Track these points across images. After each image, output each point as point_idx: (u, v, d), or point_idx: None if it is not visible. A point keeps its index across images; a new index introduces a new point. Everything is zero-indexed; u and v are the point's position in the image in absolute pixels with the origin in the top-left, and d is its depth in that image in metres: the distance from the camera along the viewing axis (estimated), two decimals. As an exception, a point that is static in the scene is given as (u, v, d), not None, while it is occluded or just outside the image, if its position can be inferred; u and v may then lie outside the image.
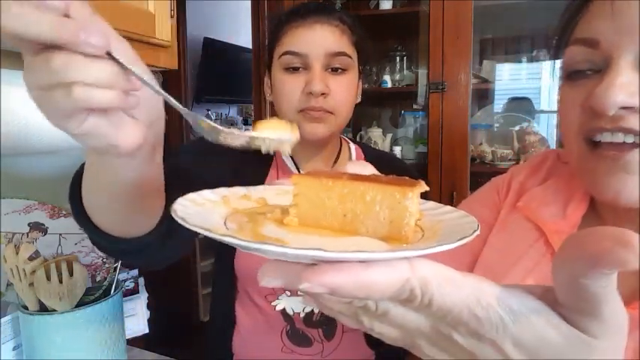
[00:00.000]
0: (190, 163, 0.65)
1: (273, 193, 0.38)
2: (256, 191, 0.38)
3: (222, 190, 0.36)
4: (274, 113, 0.81)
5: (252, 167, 0.80)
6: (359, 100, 0.84)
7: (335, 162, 0.84)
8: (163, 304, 1.41)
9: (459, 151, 1.70)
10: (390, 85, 2.09)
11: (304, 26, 0.72)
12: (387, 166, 0.83)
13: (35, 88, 0.31)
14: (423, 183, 0.29)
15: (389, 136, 2.21)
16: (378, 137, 2.20)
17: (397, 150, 2.09)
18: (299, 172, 0.79)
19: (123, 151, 0.34)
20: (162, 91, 0.35)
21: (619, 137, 0.39)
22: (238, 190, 0.37)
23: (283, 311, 0.79)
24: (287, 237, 0.28)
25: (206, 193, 0.34)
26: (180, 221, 0.26)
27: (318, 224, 0.30)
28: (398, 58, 2.16)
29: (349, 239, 0.29)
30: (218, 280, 0.91)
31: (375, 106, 2.40)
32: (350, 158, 0.86)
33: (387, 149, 2.18)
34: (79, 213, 0.50)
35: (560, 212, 0.51)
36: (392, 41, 2.23)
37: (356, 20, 0.78)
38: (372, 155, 0.88)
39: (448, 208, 0.33)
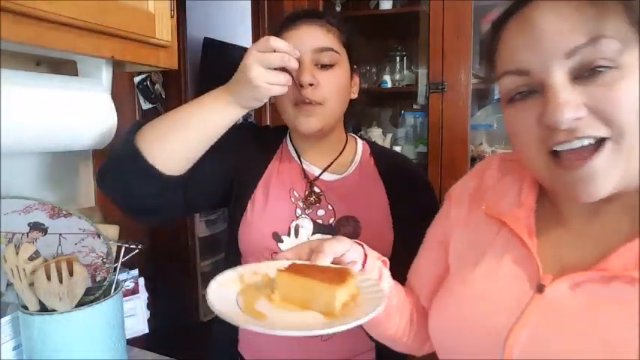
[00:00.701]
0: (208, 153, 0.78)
1: (274, 267, 0.53)
2: (263, 267, 0.58)
3: (239, 269, 0.58)
4: (274, 113, 0.85)
5: (257, 155, 0.89)
6: (355, 96, 0.89)
7: (339, 155, 0.89)
8: (163, 304, 1.41)
9: (458, 151, 1.70)
10: (390, 85, 2.09)
11: (294, 29, 0.80)
12: (394, 165, 0.90)
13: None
14: (352, 273, 0.52)
15: (389, 136, 2.21)
16: (378, 137, 2.20)
17: (397, 150, 2.09)
18: (300, 162, 0.88)
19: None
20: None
21: (577, 144, 0.45)
22: (250, 268, 0.58)
23: None
24: (268, 311, 0.49)
25: (228, 273, 0.57)
26: (217, 312, 0.46)
27: (291, 300, 0.50)
28: (398, 58, 2.16)
29: (303, 313, 0.49)
30: (228, 258, 0.92)
31: (375, 106, 2.40)
32: (355, 154, 0.91)
33: (387, 149, 2.18)
34: (133, 152, 0.70)
35: (516, 201, 0.57)
36: (392, 41, 2.23)
37: (344, 22, 0.85)
38: (379, 154, 0.92)
39: (373, 281, 0.55)
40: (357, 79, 0.89)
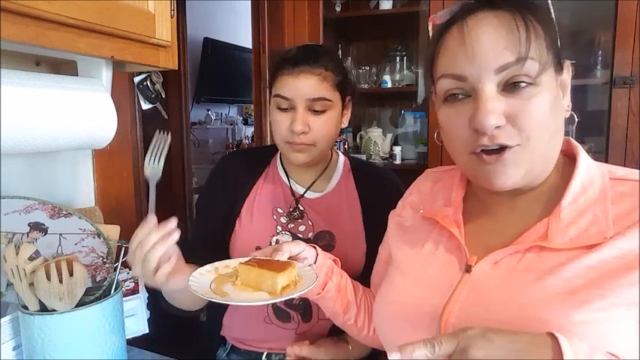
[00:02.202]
0: (209, 218, 0.97)
1: (243, 260, 0.70)
2: (233, 262, 0.73)
3: (216, 264, 0.73)
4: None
5: (241, 180, 0.98)
6: (345, 125, 0.97)
7: (321, 174, 0.97)
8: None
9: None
10: (390, 85, 2.09)
11: (292, 75, 0.86)
12: (370, 179, 0.97)
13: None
14: (293, 264, 0.67)
15: (389, 136, 2.21)
16: (378, 137, 2.20)
17: (397, 150, 2.09)
18: (289, 181, 0.97)
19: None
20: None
21: (494, 147, 0.54)
22: (224, 263, 0.74)
23: None
24: (231, 291, 0.66)
25: (206, 267, 0.72)
26: (193, 291, 0.63)
27: (248, 284, 0.66)
28: (398, 58, 2.16)
29: (255, 293, 0.64)
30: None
31: (375, 106, 2.40)
32: (336, 171, 0.99)
33: (387, 149, 2.18)
34: (162, 299, 0.88)
35: (447, 201, 0.67)
36: (392, 41, 2.23)
37: (339, 61, 0.92)
38: (357, 168, 1.00)
39: (311, 271, 0.69)
40: (348, 109, 0.96)
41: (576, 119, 0.60)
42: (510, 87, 0.53)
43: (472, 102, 0.55)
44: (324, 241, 0.91)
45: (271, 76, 0.91)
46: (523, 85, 0.53)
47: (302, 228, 0.93)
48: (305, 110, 0.86)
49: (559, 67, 0.57)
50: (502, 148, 0.54)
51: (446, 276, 0.60)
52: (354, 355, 0.88)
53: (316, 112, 0.87)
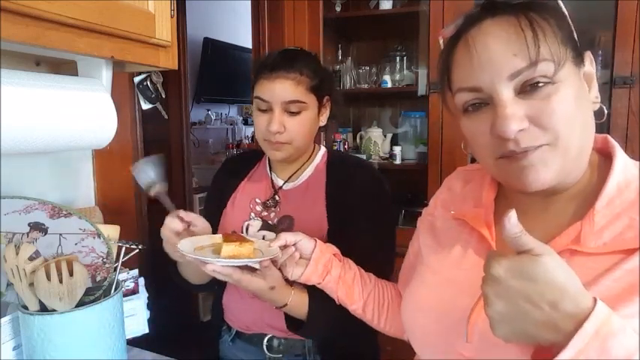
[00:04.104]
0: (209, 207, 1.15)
1: (218, 237, 0.85)
2: (216, 238, 0.86)
3: (203, 237, 0.86)
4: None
5: (229, 182, 1.10)
6: (324, 123, 1.04)
7: (299, 169, 1.05)
8: (163, 304, 1.41)
9: (459, 151, 1.68)
10: (390, 85, 2.09)
11: (269, 79, 0.94)
12: (341, 167, 1.04)
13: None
14: (252, 242, 0.80)
15: (389, 136, 2.20)
16: (378, 137, 2.20)
17: (397, 150, 2.08)
18: (272, 180, 1.07)
19: None
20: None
21: (522, 151, 0.53)
22: (209, 237, 0.86)
23: None
24: (209, 255, 0.79)
25: (197, 237, 0.85)
26: (181, 252, 0.77)
27: (217, 252, 0.78)
28: (398, 58, 2.15)
29: (219, 259, 0.76)
30: None
31: (375, 106, 2.40)
32: (312, 162, 1.06)
33: (387, 149, 2.18)
34: (176, 273, 1.03)
35: (477, 202, 0.67)
36: (392, 41, 2.23)
37: (316, 65, 0.99)
38: (333, 160, 1.07)
39: (276, 251, 0.79)
40: (327, 108, 1.03)
41: (605, 111, 0.57)
42: (528, 89, 0.52)
43: (491, 109, 0.54)
44: (284, 224, 1.00)
45: (253, 78, 0.99)
46: (541, 85, 0.52)
47: (272, 215, 1.03)
48: (281, 112, 0.94)
49: (579, 60, 0.55)
50: (528, 151, 0.53)
51: (475, 278, 0.58)
52: (284, 301, 0.86)
53: (292, 114, 0.95)
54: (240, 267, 0.77)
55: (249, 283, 0.79)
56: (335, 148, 2.15)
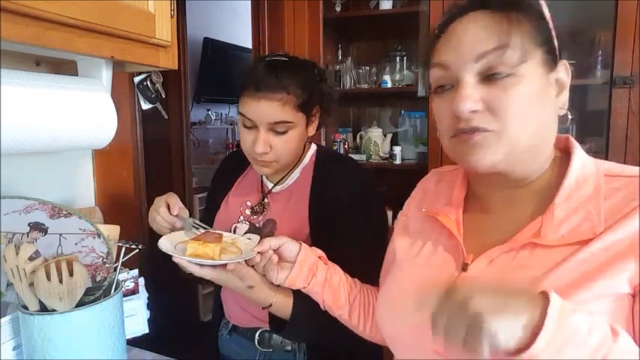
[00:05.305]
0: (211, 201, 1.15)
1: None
2: (194, 233, 0.89)
3: (181, 233, 0.90)
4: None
5: (225, 181, 1.11)
6: (312, 133, 1.00)
7: (288, 172, 1.03)
8: (163, 304, 1.41)
9: (459, 151, 1.69)
10: (390, 85, 2.09)
11: (255, 98, 0.89)
12: (327, 168, 1.02)
13: None
14: (221, 235, 0.85)
15: (389, 136, 2.21)
16: (378, 137, 2.20)
17: (397, 150, 2.08)
18: (262, 184, 1.06)
19: None
20: None
21: (469, 129, 0.57)
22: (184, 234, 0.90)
23: None
24: (181, 251, 0.82)
25: (173, 235, 0.89)
26: (160, 248, 0.81)
27: (191, 253, 0.79)
28: (398, 58, 2.15)
29: (197, 259, 0.79)
30: None
31: (375, 106, 2.40)
32: (301, 164, 1.04)
33: (387, 149, 2.18)
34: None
35: (448, 200, 0.69)
36: (392, 41, 2.23)
37: (305, 78, 0.92)
38: (321, 160, 1.03)
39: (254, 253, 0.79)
40: (316, 117, 0.99)
41: (569, 117, 0.61)
42: (489, 77, 0.55)
43: (454, 92, 0.58)
44: (267, 228, 1.00)
45: (239, 91, 0.94)
46: (502, 75, 0.55)
47: (261, 218, 1.03)
48: (267, 131, 0.91)
49: (552, 65, 0.58)
50: (476, 131, 0.56)
51: (444, 274, 0.62)
52: (269, 301, 0.86)
53: (278, 133, 0.91)
54: (213, 266, 0.79)
55: (227, 282, 0.81)
56: (335, 148, 2.15)
